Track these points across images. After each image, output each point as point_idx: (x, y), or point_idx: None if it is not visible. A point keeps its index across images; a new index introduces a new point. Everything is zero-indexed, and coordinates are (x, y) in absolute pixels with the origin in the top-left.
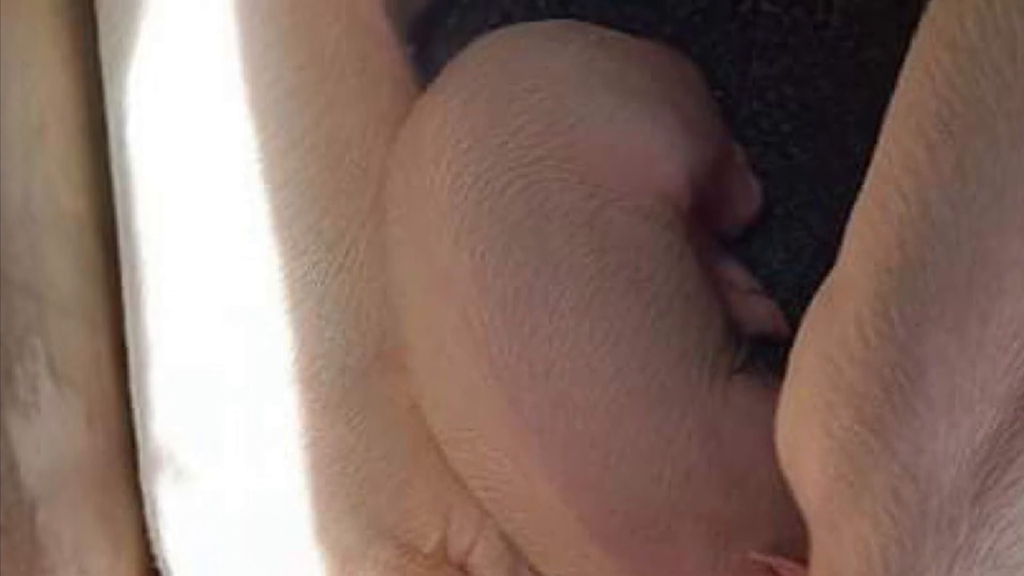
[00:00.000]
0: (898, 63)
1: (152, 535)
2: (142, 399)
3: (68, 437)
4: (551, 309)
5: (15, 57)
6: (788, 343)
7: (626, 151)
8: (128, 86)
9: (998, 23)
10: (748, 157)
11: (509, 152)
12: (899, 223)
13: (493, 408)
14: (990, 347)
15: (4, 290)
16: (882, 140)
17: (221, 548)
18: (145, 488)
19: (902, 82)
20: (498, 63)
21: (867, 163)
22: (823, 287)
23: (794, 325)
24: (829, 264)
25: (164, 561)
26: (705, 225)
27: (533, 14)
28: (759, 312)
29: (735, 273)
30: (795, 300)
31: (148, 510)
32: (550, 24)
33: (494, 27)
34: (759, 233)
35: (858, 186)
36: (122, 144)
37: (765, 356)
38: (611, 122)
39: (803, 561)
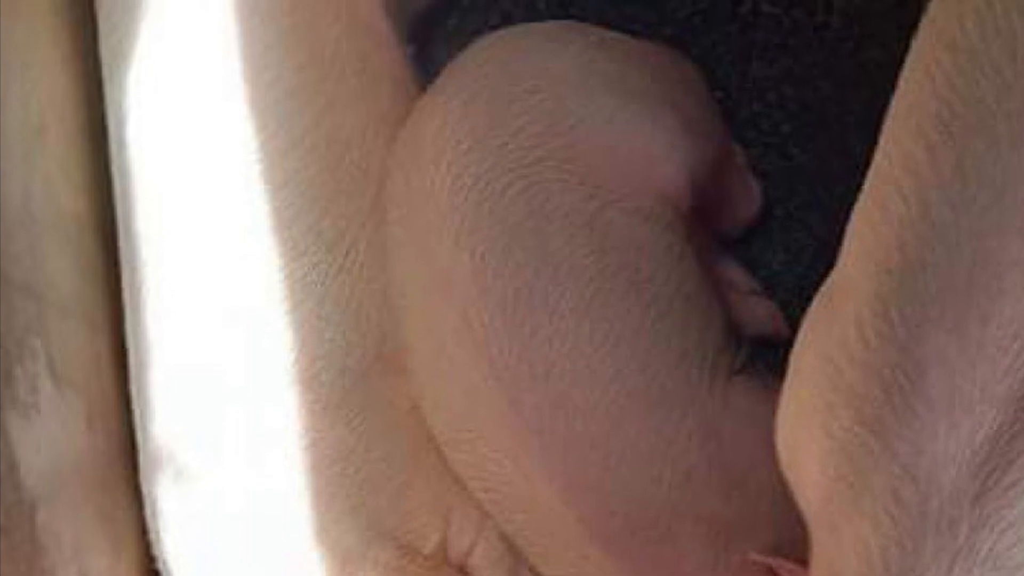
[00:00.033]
0: (898, 64)
1: (152, 536)
2: (142, 400)
3: (68, 437)
4: (551, 310)
5: (15, 57)
6: (788, 344)
7: (626, 152)
8: (128, 86)
9: (998, 24)
10: (748, 158)
11: (509, 153)
12: (899, 224)
13: (493, 409)
14: (990, 348)
15: (4, 290)
16: (882, 141)
17: (221, 549)
18: (145, 489)
19: (902, 83)
20: (498, 64)
21: (867, 164)
22: (823, 288)
23: (794, 326)
24: (829, 265)
25: (164, 562)
26: (705, 226)
27: (533, 15)
28: (759, 313)
29: (735, 274)
30: (795, 301)
31: (148, 511)
32: (550, 25)
33: (494, 28)
34: (759, 234)
35: (858, 187)
36: (122, 144)
37: (765, 357)
38: (611, 123)
39: (803, 562)
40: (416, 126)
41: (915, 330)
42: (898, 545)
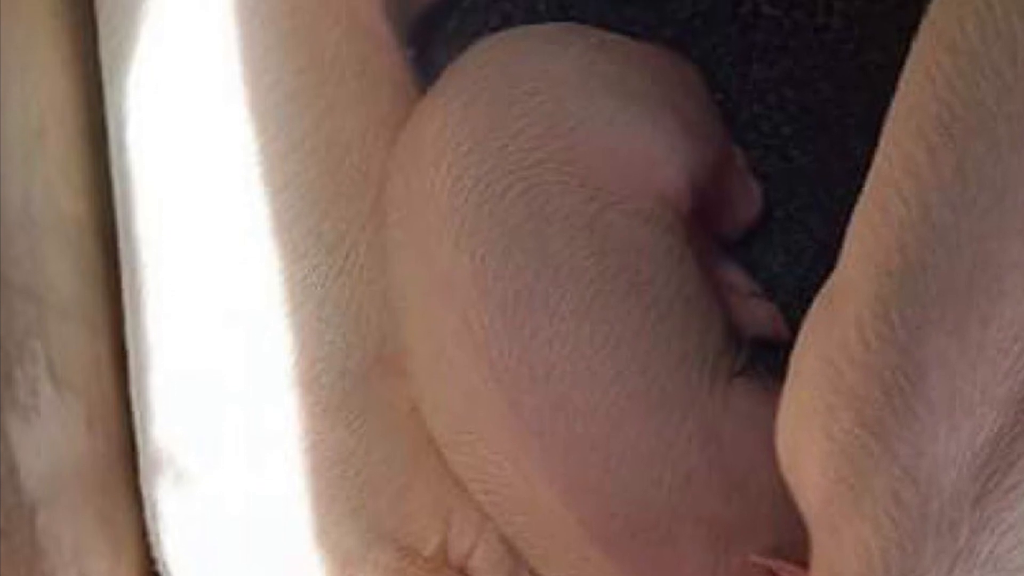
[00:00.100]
0: (898, 66)
1: (152, 538)
2: (142, 402)
3: (68, 440)
4: (551, 312)
5: (15, 60)
6: (788, 346)
7: (626, 154)
8: (128, 89)
9: (998, 26)
10: (748, 160)
11: (509, 155)
12: (900, 226)
13: (493, 411)
14: (991, 350)
15: (4, 293)
16: (882, 143)
17: (221, 551)
18: (145, 491)
19: (902, 85)
20: (498, 66)
21: (867, 166)
22: (823, 290)
23: (794, 328)
24: (829, 267)
25: (164, 564)
26: (705, 228)
27: (533, 17)
28: (759, 315)
29: (735, 276)
30: (795, 303)
31: (148, 513)
32: (550, 27)
33: (494, 30)
34: (759, 236)
35: (858, 189)
36: (122, 147)
37: (765, 359)
38: (611, 125)
39: (804, 564)
40: (416, 128)
41: (915, 332)
42: (898, 547)
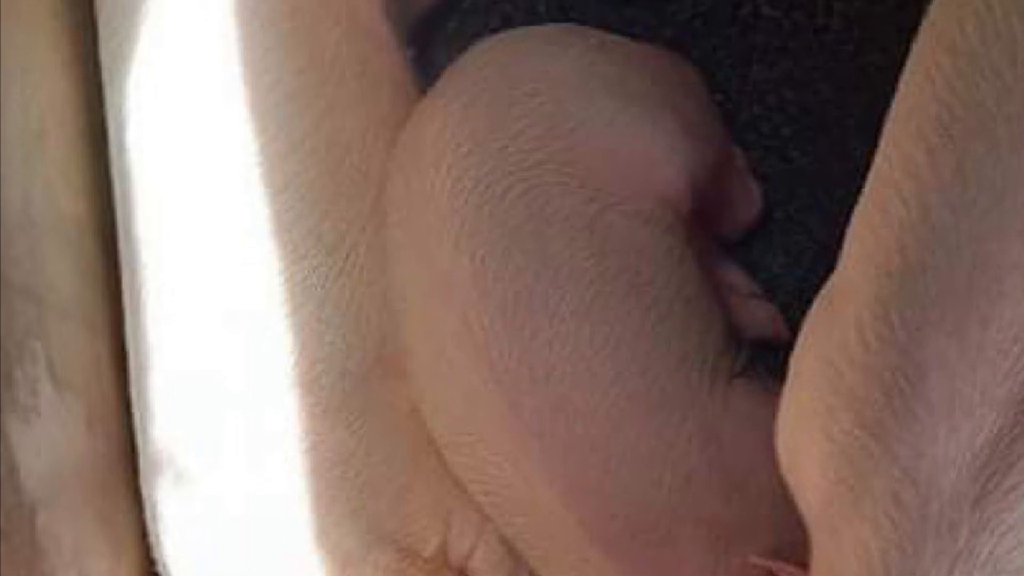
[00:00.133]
0: (898, 67)
1: (152, 539)
2: (142, 403)
3: (68, 441)
4: (551, 313)
5: (15, 62)
6: (788, 347)
7: (626, 155)
8: (128, 90)
9: (998, 27)
10: (748, 161)
11: (509, 156)
12: (899, 227)
13: (493, 412)
14: (990, 351)
15: (4, 293)
16: (882, 144)
17: (221, 552)
18: (145, 492)
19: (902, 86)
20: (498, 67)
21: (867, 167)
22: (823, 291)
23: (794, 329)
24: (829, 268)
25: (164, 565)
26: (705, 229)
27: (533, 18)
28: (759, 316)
29: (735, 277)
30: (795, 304)
31: (148, 514)
32: (550, 28)
33: (494, 31)
34: (759, 237)
35: (858, 190)
36: (122, 148)
37: (765, 360)
38: (611, 126)
39: (803, 565)
40: (416, 129)
41: (915, 333)
42: (898, 548)
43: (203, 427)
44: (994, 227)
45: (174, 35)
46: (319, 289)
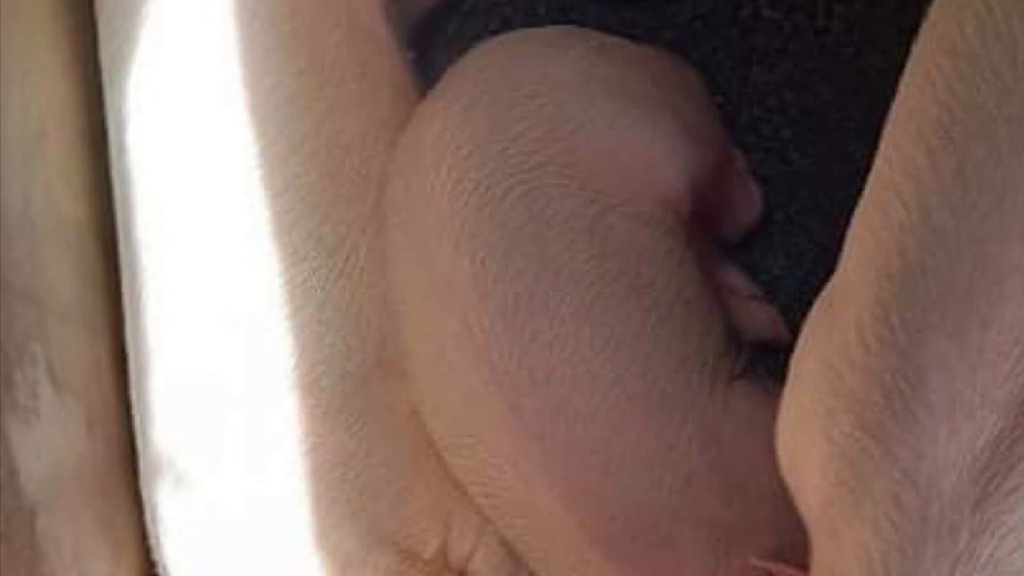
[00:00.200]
0: (898, 69)
1: (152, 541)
2: (142, 405)
3: (68, 443)
4: (551, 315)
5: (15, 63)
6: (789, 349)
7: (626, 157)
8: (128, 92)
9: (998, 29)
10: (748, 163)
11: (509, 158)
12: (900, 229)
13: (493, 414)
14: (991, 353)
15: (4, 296)
16: (883, 146)
17: (221, 554)
18: (145, 494)
19: (902, 88)
20: (498, 69)
21: (868, 169)
22: (824, 293)
23: (795, 331)
24: (830, 270)
25: (164, 567)
26: (705, 231)
27: (533, 20)
28: (759, 318)
29: (735, 279)
30: (796, 306)
31: (148, 516)
32: (550, 30)
33: (494, 33)
34: (759, 239)
35: (859, 192)
36: (122, 150)
37: (766, 362)
38: (611, 128)
39: (804, 567)
40: (416, 131)
41: (916, 335)
42: (899, 550)
43: (203, 429)
44: (995, 229)
45: (174, 37)
46: (319, 291)
